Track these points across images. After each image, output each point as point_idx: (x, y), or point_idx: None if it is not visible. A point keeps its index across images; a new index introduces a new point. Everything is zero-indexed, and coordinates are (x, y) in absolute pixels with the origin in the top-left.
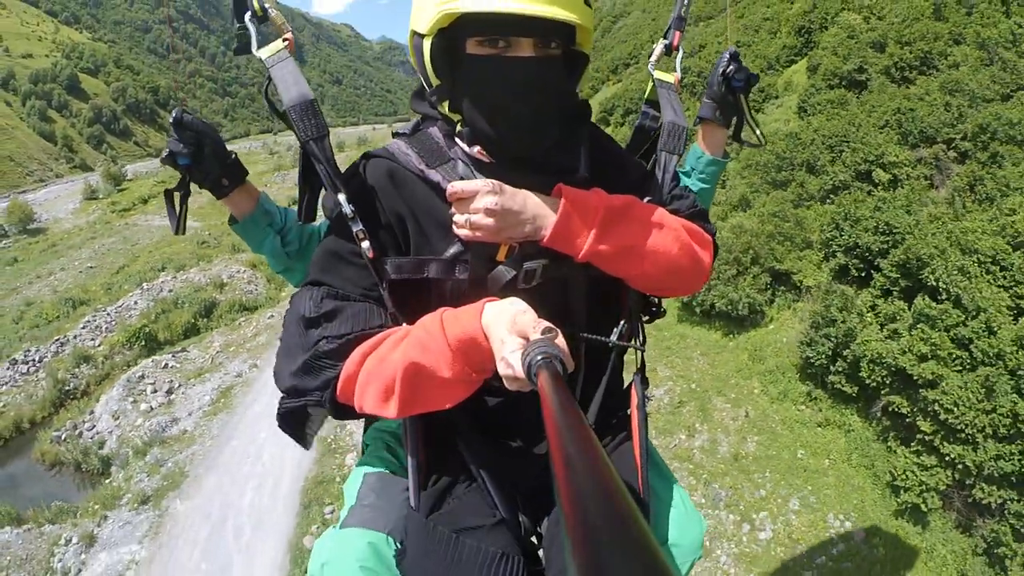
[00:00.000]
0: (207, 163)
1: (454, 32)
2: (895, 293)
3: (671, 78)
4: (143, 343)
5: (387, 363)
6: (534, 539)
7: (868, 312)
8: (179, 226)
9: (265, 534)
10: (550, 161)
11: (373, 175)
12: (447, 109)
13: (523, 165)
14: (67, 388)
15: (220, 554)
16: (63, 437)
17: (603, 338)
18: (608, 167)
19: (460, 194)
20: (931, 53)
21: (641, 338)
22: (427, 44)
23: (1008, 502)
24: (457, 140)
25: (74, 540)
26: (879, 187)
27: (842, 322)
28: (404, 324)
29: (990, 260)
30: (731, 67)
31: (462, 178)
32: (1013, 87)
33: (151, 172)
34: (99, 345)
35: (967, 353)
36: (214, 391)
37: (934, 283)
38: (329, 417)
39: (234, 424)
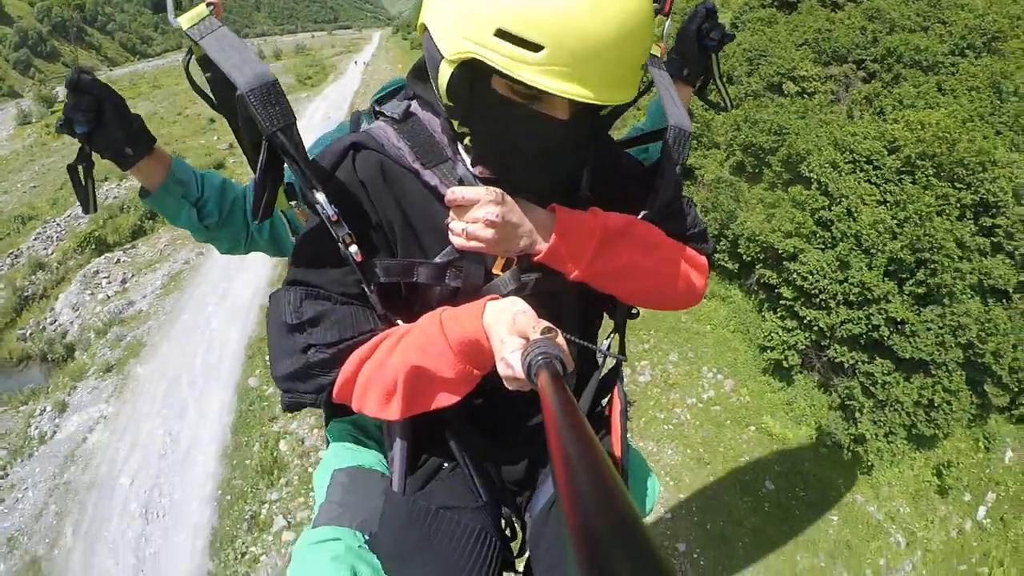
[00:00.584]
0: (108, 130)
1: (482, 65)
2: (779, 185)
3: (657, 49)
4: (93, 246)
5: (386, 368)
6: (508, 531)
7: (757, 204)
8: (89, 203)
9: (215, 383)
10: None
11: (363, 170)
12: (456, 126)
13: None
14: (26, 295)
15: (177, 402)
16: (28, 334)
17: (593, 346)
18: (608, 173)
19: (460, 201)
20: None
21: (621, 348)
22: (445, 67)
23: (859, 363)
24: (460, 150)
25: (48, 409)
26: (787, 97)
27: (725, 206)
28: (399, 323)
29: (864, 159)
30: (705, 24)
31: (462, 181)
32: (933, 20)
33: None
34: (52, 253)
35: (828, 233)
36: (165, 276)
37: (808, 174)
38: None
39: (184, 301)
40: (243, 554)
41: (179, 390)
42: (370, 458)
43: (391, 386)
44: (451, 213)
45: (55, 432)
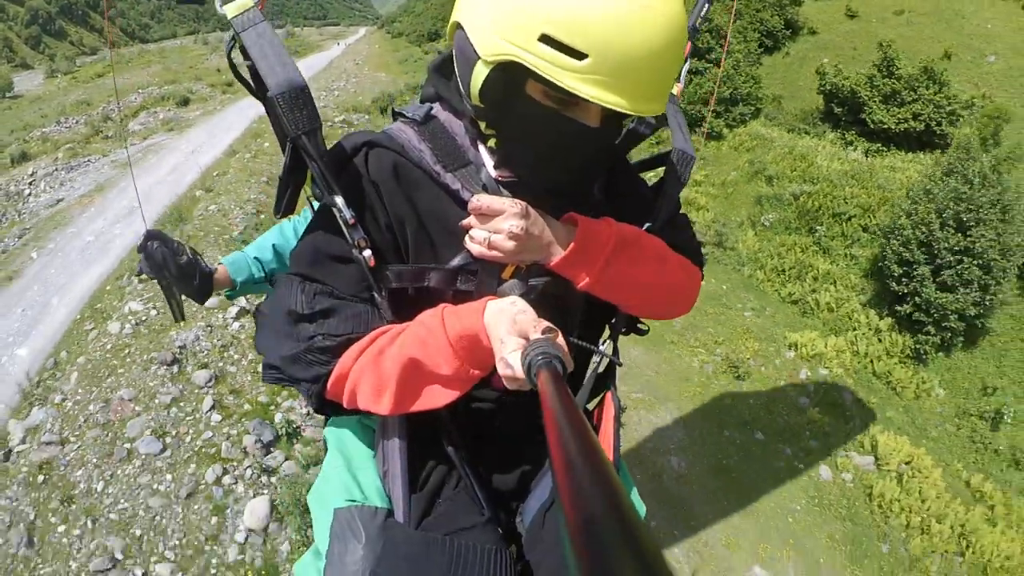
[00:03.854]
0: (178, 284)
1: (519, 67)
2: None
3: (675, 88)
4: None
5: (384, 358)
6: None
7: None
8: (177, 313)
9: (233, 137)
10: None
11: (376, 170)
12: (483, 127)
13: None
14: (99, 130)
15: (208, 145)
16: (109, 135)
17: (593, 347)
18: (618, 183)
19: (484, 210)
20: None
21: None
22: (481, 68)
23: None
24: (482, 152)
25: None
26: None
27: None
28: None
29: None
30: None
31: (486, 188)
32: None
33: (95, 61)
34: (117, 115)
35: None
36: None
37: None
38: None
39: (217, 119)
40: (225, 173)
41: (213, 139)
42: (367, 480)
43: (385, 378)
44: (472, 219)
45: (133, 145)
